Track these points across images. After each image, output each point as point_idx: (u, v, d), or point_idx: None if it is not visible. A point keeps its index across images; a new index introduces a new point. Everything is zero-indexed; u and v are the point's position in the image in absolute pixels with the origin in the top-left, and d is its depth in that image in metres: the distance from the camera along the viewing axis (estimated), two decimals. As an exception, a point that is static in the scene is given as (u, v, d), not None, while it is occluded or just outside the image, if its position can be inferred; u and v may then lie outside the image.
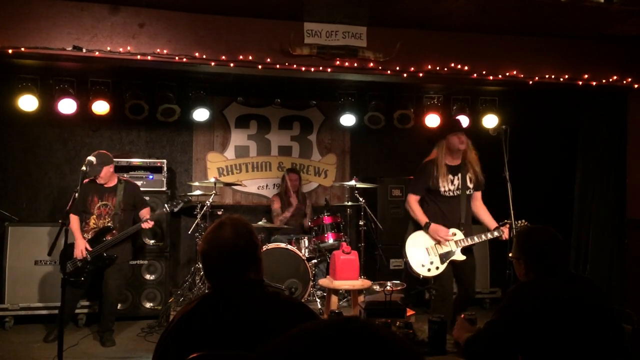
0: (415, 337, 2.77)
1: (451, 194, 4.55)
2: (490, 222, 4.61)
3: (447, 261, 4.51)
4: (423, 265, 4.53)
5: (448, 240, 4.48)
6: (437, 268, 4.52)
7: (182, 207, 5.44)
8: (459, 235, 4.53)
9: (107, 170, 5.12)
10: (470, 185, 4.60)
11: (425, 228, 4.52)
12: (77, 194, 4.11)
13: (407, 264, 4.61)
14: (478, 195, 4.71)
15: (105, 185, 5.19)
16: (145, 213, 5.36)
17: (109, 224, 5.10)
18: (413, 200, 4.62)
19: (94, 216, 5.13)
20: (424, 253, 4.55)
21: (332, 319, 0.87)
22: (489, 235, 4.50)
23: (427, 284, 6.42)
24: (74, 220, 5.06)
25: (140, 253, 5.94)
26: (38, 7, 4.65)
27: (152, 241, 6.00)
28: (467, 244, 4.52)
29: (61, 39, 4.68)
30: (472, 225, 4.70)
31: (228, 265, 1.93)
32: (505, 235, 4.39)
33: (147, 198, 6.00)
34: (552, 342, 2.25)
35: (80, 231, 5.05)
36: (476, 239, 4.51)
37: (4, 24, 4.58)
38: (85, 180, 5.16)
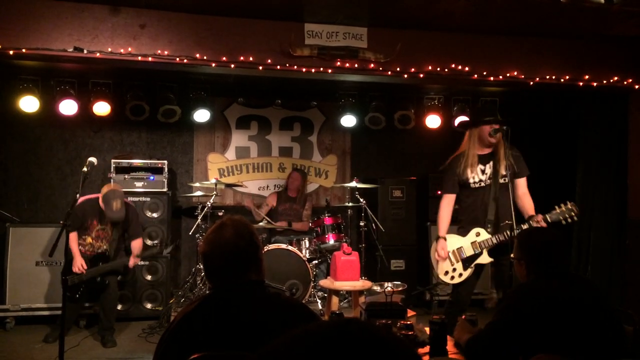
0: (416, 338, 2.77)
1: (482, 184, 4.15)
2: (528, 212, 4.09)
3: (471, 266, 4.11)
4: (447, 273, 4.17)
5: (441, 260, 4.14)
6: (461, 275, 4.12)
7: (171, 250, 5.52)
8: (483, 235, 4.08)
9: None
10: (504, 173, 4.06)
11: (436, 239, 4.22)
12: (78, 195, 4.13)
13: (432, 269, 4.26)
14: (521, 182, 4.19)
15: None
16: (135, 245, 5.29)
17: (106, 248, 5.14)
18: (444, 202, 4.25)
19: (92, 237, 5.17)
20: (446, 260, 4.18)
21: (332, 320, 0.88)
22: (509, 234, 3.93)
23: (429, 285, 6.44)
24: (73, 237, 5.07)
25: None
26: (39, 9, 4.66)
27: (153, 242, 6.00)
28: (486, 246, 4.05)
29: (62, 40, 4.69)
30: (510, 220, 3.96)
31: (229, 266, 1.94)
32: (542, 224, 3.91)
33: (147, 199, 6.03)
34: (553, 343, 2.25)
35: (78, 248, 5.07)
36: (501, 238, 4.00)
37: (5, 25, 4.58)
38: (88, 197, 5.16)
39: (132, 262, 5.18)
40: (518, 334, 2.32)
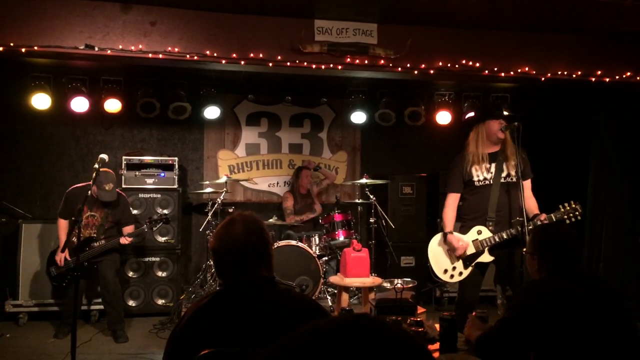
0: (426, 334, 2.77)
1: (486, 182, 4.07)
2: (533, 211, 4.03)
3: (472, 265, 4.05)
4: (446, 271, 4.13)
5: (459, 253, 4.04)
6: (461, 274, 4.07)
7: (161, 225, 5.38)
8: (485, 233, 4.01)
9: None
10: (509, 173, 4.03)
11: (444, 237, 4.15)
12: (89, 192, 4.17)
13: (429, 269, 4.22)
14: (525, 184, 4.02)
15: (96, 197, 5.17)
16: (128, 230, 5.32)
17: (93, 235, 5.13)
18: (449, 201, 4.20)
19: (81, 225, 5.15)
20: (445, 257, 4.15)
21: (342, 316, 0.87)
22: (513, 232, 3.90)
23: (438, 282, 6.42)
24: (63, 225, 5.16)
25: (152, 250, 5.99)
26: (51, 6, 4.69)
27: (164, 239, 6.04)
28: (488, 244, 3.98)
29: (73, 38, 4.72)
30: (514, 217, 3.98)
31: (239, 262, 1.94)
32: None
33: (158, 196, 6.06)
34: (565, 340, 2.23)
35: (65, 237, 5.08)
36: (505, 236, 3.93)
37: (17, 23, 4.62)
38: (78, 185, 5.22)
39: (123, 240, 5.14)
40: (529, 331, 2.30)
